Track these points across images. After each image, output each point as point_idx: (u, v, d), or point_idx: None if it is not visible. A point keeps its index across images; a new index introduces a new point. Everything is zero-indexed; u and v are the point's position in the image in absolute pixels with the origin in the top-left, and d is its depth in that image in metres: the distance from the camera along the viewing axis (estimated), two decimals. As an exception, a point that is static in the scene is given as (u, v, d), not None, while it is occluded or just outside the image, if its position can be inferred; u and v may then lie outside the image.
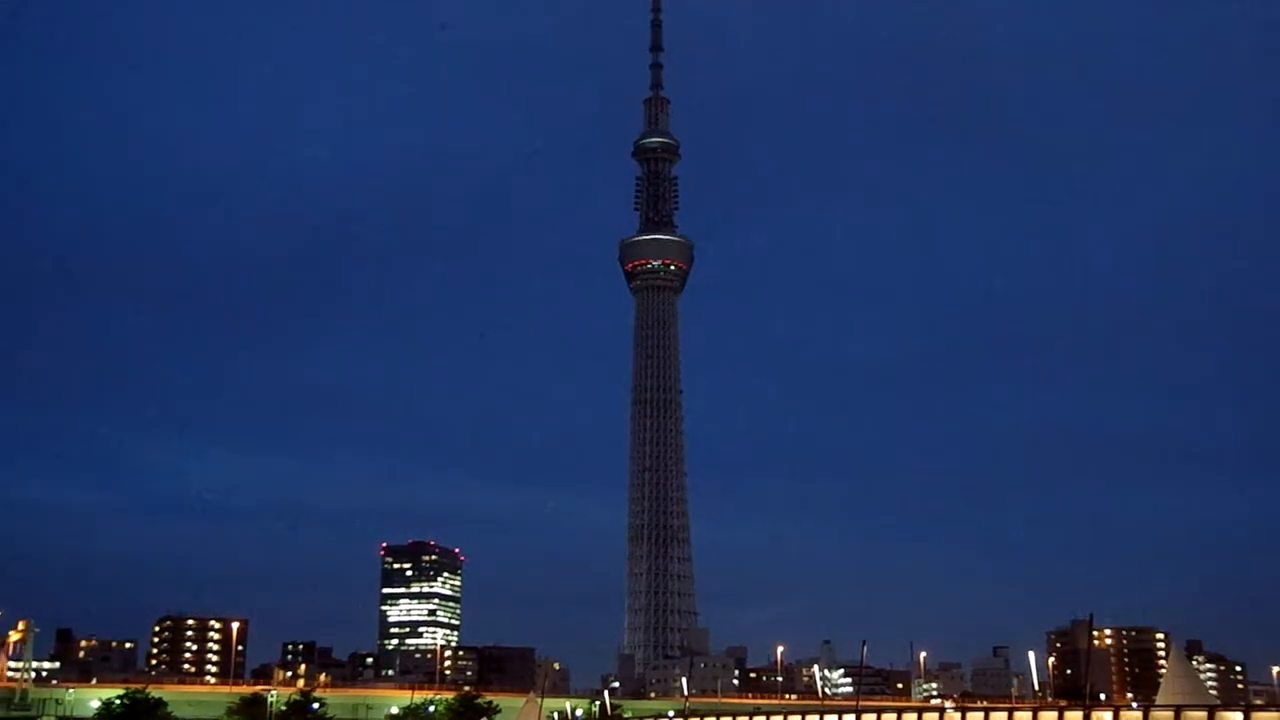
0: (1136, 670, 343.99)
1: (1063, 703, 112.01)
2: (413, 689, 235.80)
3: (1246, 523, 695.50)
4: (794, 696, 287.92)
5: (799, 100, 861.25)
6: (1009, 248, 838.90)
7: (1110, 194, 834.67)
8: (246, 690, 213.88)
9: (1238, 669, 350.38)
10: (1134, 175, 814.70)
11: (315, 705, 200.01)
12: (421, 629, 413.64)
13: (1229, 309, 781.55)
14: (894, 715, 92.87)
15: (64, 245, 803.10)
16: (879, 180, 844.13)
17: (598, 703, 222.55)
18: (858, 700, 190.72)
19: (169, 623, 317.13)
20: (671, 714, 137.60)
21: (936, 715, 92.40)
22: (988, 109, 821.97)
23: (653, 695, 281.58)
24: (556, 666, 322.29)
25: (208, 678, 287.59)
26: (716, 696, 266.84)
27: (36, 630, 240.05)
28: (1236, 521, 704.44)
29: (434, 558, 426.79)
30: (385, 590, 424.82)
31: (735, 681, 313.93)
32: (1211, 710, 70.16)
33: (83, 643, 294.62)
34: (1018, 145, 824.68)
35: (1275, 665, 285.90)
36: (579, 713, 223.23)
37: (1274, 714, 66.00)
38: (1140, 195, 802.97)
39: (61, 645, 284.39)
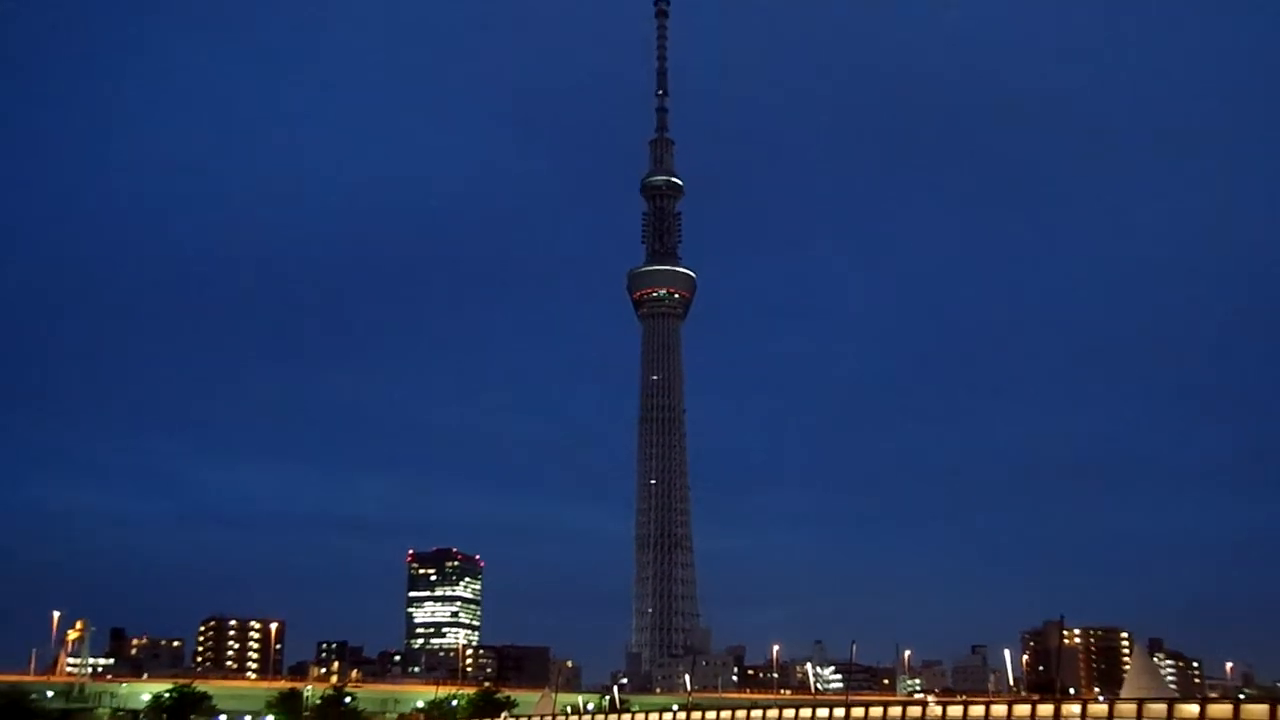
0: (1103, 667, 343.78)
1: (1035, 697, 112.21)
2: (437, 685, 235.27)
3: (1204, 532, 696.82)
4: (789, 692, 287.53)
5: (792, 142, 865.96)
6: (993, 273, 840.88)
7: (1093, 219, 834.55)
8: (284, 685, 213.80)
9: (1195, 665, 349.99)
10: (1117, 202, 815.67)
11: (348, 699, 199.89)
12: (445, 629, 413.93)
13: (1206, 336, 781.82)
14: (880, 709, 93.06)
15: (134, 281, 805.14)
16: (866, 215, 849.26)
17: (607, 698, 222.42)
18: (847, 695, 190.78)
19: (213, 623, 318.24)
20: (675, 708, 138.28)
21: (919, 709, 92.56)
22: (969, 152, 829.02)
23: (658, 691, 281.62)
24: (569, 664, 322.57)
25: (249, 673, 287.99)
26: (717, 692, 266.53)
27: (93, 629, 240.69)
28: (1195, 531, 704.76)
29: (456, 564, 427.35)
30: (411, 594, 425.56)
31: (735, 678, 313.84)
32: (1171, 703, 70.52)
33: (134, 641, 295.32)
34: (1000, 182, 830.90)
35: (1229, 661, 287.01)
36: (590, 707, 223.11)
37: (1228, 706, 66.35)
38: (1123, 220, 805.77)
39: (115, 643, 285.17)
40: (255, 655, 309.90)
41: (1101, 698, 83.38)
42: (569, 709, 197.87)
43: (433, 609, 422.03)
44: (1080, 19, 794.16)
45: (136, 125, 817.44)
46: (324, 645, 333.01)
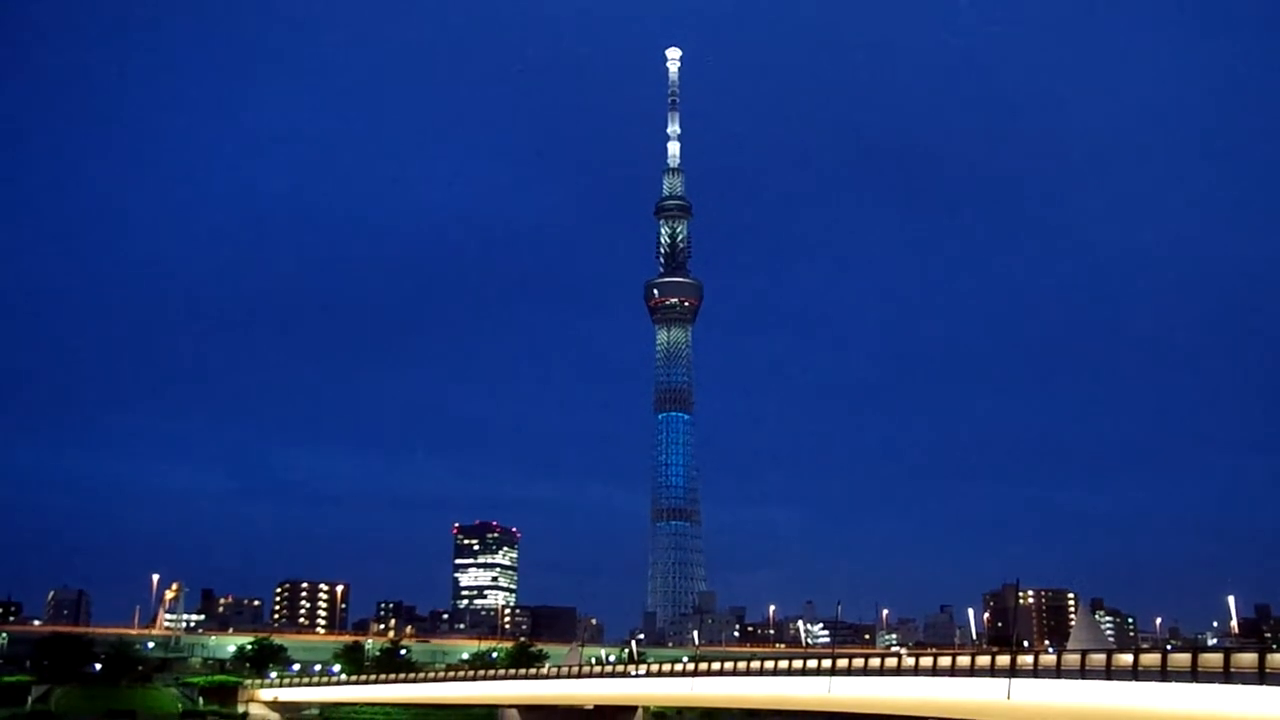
0: (1052, 623, 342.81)
1: (995, 649, 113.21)
2: (479, 639, 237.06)
3: (1139, 506, 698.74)
4: (783, 646, 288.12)
5: (788, 167, 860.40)
6: (963, 282, 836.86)
7: (1049, 234, 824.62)
8: (349, 639, 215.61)
9: (1130, 620, 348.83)
10: (1072, 218, 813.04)
11: (402, 652, 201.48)
12: (486, 592, 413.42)
13: (1143, 337, 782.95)
14: (862, 660, 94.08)
15: (234, 295, 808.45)
16: (852, 231, 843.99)
17: (627, 651, 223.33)
18: (834, 649, 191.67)
19: (288, 585, 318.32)
20: (685, 660, 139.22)
21: (895, 660, 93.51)
22: (943, 172, 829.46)
23: (670, 645, 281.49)
24: (594, 622, 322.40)
25: (318, 629, 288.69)
26: (721, 646, 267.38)
27: (186, 590, 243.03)
28: (1129, 504, 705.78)
29: (496, 535, 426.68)
30: (457, 561, 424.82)
31: (736, 634, 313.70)
32: (1109, 654, 71.46)
33: (221, 600, 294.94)
34: (970, 200, 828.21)
35: (1159, 617, 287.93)
36: (611, 659, 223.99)
37: (1157, 655, 67.45)
38: (1075, 233, 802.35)
39: (205, 602, 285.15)
40: (324, 613, 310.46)
41: (1051, 649, 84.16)
42: (593, 660, 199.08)
43: (475, 574, 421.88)
44: (1052, 40, 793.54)
45: (240, 156, 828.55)
46: (382, 605, 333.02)
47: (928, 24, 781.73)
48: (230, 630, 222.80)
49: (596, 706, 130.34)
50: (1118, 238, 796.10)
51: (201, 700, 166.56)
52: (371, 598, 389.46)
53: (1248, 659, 60.70)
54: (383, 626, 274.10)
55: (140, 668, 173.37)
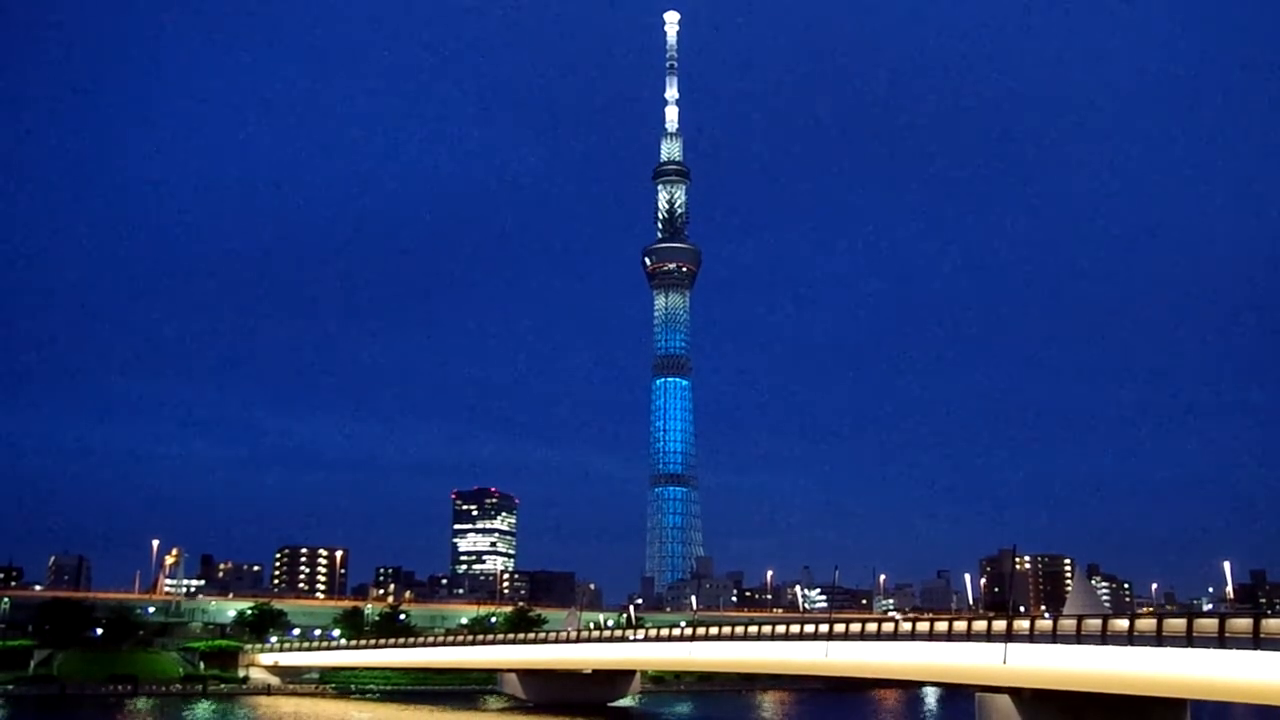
0: (1048, 589, 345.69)
1: (991, 614, 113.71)
2: (478, 604, 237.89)
3: (1135, 474, 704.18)
4: (780, 610, 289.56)
5: (783, 134, 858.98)
6: (954, 247, 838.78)
7: (1042, 199, 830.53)
8: (348, 604, 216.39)
9: (1126, 586, 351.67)
10: (1066, 184, 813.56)
11: (402, 616, 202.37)
12: (485, 557, 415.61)
13: (1140, 307, 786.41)
14: (859, 625, 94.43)
15: (231, 264, 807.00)
16: (846, 197, 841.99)
17: (625, 615, 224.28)
18: (831, 614, 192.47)
19: (287, 551, 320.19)
20: (683, 624, 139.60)
21: (892, 625, 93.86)
22: (932, 138, 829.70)
23: (668, 610, 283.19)
24: (592, 587, 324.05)
25: (318, 593, 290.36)
26: (719, 610, 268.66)
27: (186, 555, 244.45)
28: (1127, 470, 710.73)
29: (494, 500, 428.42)
30: (456, 526, 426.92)
31: (734, 599, 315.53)
32: (1105, 619, 71.74)
33: (221, 566, 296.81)
34: (960, 165, 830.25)
35: (1154, 583, 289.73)
36: (610, 623, 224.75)
37: (1152, 621, 67.74)
38: (1068, 199, 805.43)
39: (205, 567, 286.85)
40: (323, 578, 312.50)
41: (1047, 615, 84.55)
42: (592, 625, 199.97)
43: (474, 539, 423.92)
44: (1052, 6, 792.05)
45: (235, 123, 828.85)
46: (381, 570, 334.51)
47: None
48: (230, 595, 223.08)
49: (595, 670, 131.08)
50: (1116, 205, 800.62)
51: (202, 664, 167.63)
52: (371, 563, 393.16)
53: (1242, 624, 60.93)
54: (382, 591, 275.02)
55: (141, 632, 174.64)
